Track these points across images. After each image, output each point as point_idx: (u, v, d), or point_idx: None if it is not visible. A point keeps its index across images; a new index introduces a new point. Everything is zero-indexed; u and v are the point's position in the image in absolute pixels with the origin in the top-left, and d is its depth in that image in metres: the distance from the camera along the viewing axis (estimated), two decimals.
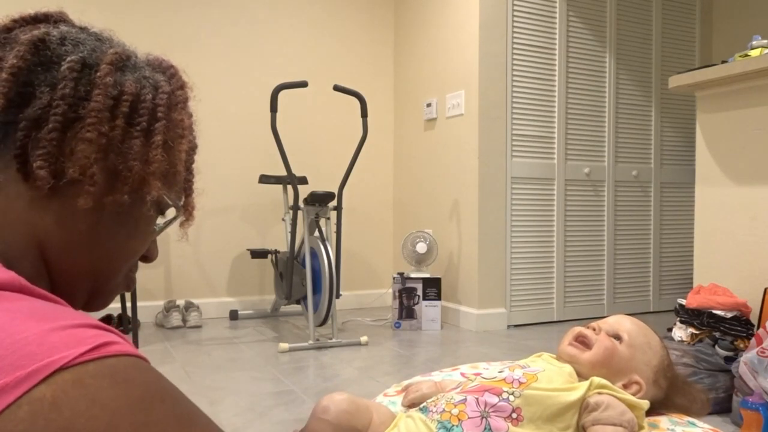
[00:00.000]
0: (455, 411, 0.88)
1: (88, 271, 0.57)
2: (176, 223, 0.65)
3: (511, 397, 0.88)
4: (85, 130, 0.53)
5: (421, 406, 0.96)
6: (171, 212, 0.64)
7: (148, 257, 0.65)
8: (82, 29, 0.59)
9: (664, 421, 1.01)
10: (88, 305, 0.61)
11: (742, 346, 1.95)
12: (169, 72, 0.63)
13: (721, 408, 1.89)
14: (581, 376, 0.96)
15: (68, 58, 0.54)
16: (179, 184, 0.63)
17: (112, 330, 0.45)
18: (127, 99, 0.56)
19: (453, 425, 0.86)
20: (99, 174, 0.54)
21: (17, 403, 0.38)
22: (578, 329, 1.03)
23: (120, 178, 0.56)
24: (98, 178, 0.54)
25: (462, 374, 1.21)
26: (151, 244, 0.64)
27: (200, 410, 0.47)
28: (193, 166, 0.66)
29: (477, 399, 0.89)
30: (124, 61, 0.58)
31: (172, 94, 0.60)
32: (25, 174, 0.52)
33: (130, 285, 0.64)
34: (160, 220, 0.64)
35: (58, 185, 0.53)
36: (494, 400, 0.88)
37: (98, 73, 0.55)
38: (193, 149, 0.65)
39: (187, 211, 0.65)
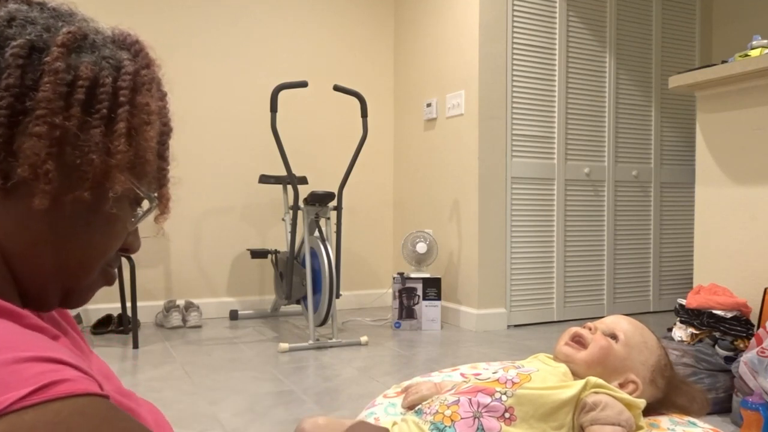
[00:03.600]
0: (448, 412, 0.89)
1: (55, 271, 0.53)
2: (151, 217, 0.59)
3: (504, 397, 0.89)
4: (34, 123, 0.47)
5: (416, 408, 0.96)
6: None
7: (128, 249, 0.59)
8: (38, 4, 0.53)
9: (664, 420, 1.01)
10: (65, 303, 0.56)
11: (742, 346, 1.95)
12: (134, 48, 0.56)
13: (721, 408, 1.89)
14: (577, 376, 0.96)
15: (13, 43, 0.48)
16: (151, 174, 0.56)
17: (65, 362, 0.40)
18: (82, 84, 0.50)
19: (446, 426, 0.87)
20: (54, 171, 0.48)
21: None
22: (574, 329, 1.03)
23: (79, 174, 0.50)
24: (53, 176, 0.48)
25: (462, 375, 1.21)
26: (131, 236, 0.59)
27: None
28: (168, 153, 0.60)
29: (470, 400, 0.89)
30: (79, 41, 0.51)
31: (137, 74, 0.54)
32: None
33: (109, 280, 0.58)
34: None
35: (10, 185, 0.48)
36: (487, 400, 0.89)
37: (47, 58, 0.49)
38: (166, 134, 0.59)
39: (161, 203, 0.58)
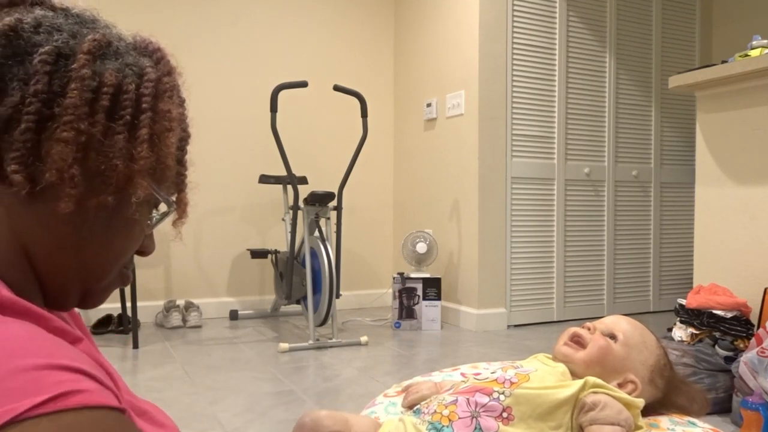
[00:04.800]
0: (446, 412, 0.89)
1: (77, 273, 0.54)
2: (169, 221, 0.61)
3: (502, 397, 0.89)
4: (62, 129, 0.49)
5: (415, 408, 0.96)
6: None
7: (144, 252, 0.61)
8: (63, 10, 0.54)
9: (664, 420, 1.01)
10: (83, 304, 0.58)
11: (742, 346, 1.95)
12: (156, 56, 0.58)
13: (721, 408, 1.89)
14: (576, 376, 0.96)
15: (41, 50, 0.49)
16: (170, 179, 0.58)
17: (84, 371, 0.41)
18: (107, 91, 0.51)
19: (443, 426, 0.87)
20: (79, 175, 0.50)
21: None
22: (573, 329, 1.03)
23: (103, 179, 0.51)
24: (78, 180, 0.50)
25: (462, 374, 1.21)
26: (146, 238, 0.60)
27: None
28: (186, 158, 0.61)
29: (468, 399, 0.89)
30: (104, 48, 0.53)
31: (159, 81, 0.55)
32: (1, 178, 0.49)
33: (125, 281, 0.60)
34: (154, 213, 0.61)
35: (37, 189, 0.49)
36: (485, 400, 0.89)
37: (74, 65, 0.50)
38: (184, 140, 0.61)
39: (180, 207, 0.60)
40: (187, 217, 0.61)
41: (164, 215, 0.60)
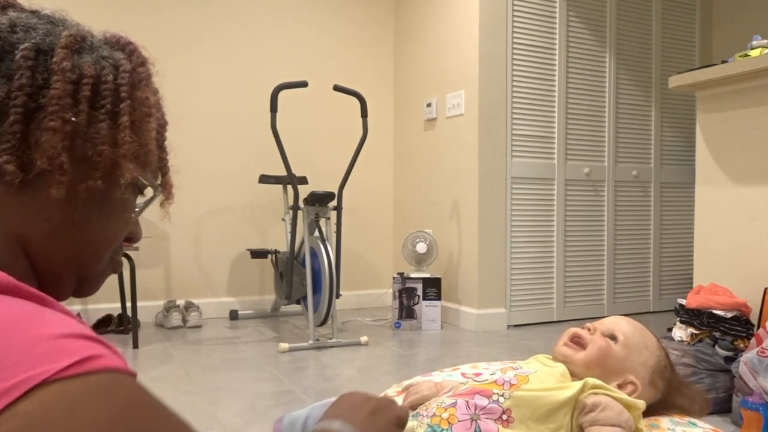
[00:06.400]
0: (445, 415, 0.89)
1: (71, 259, 0.57)
2: (157, 204, 0.64)
3: (501, 399, 0.88)
4: (48, 119, 0.52)
5: (414, 412, 0.96)
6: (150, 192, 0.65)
7: (131, 238, 0.64)
8: (33, 12, 0.57)
9: (664, 421, 1.01)
10: (78, 292, 0.60)
11: (742, 346, 1.95)
12: (128, 49, 0.61)
13: (721, 408, 1.89)
14: (575, 377, 0.96)
15: (21, 46, 0.52)
16: (153, 164, 0.61)
17: (100, 340, 0.44)
18: (87, 82, 0.54)
19: (443, 429, 0.87)
20: (68, 162, 0.53)
21: (2, 416, 0.37)
22: (573, 330, 1.03)
23: (91, 164, 0.55)
24: (68, 167, 0.53)
25: (462, 374, 1.21)
26: (134, 225, 0.63)
27: (187, 425, 0.45)
28: (166, 143, 0.65)
29: (467, 402, 0.89)
30: (80, 43, 0.56)
31: (134, 72, 0.59)
32: None
33: (116, 267, 0.63)
34: (140, 200, 0.64)
35: (29, 178, 0.52)
36: (484, 402, 0.88)
37: (54, 59, 0.53)
38: (162, 126, 0.64)
39: (166, 189, 0.64)
40: (174, 198, 0.65)
41: (151, 199, 0.63)
